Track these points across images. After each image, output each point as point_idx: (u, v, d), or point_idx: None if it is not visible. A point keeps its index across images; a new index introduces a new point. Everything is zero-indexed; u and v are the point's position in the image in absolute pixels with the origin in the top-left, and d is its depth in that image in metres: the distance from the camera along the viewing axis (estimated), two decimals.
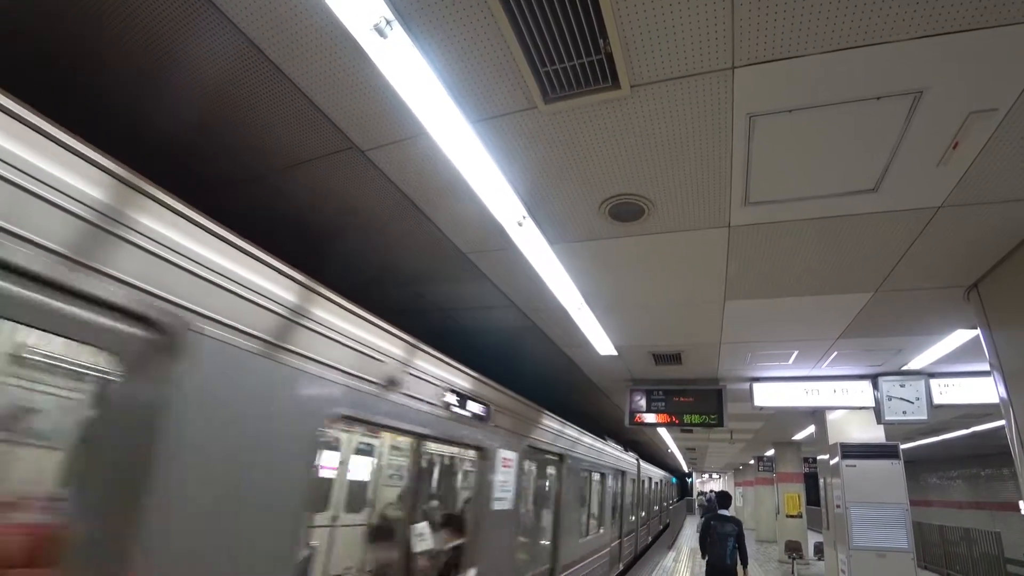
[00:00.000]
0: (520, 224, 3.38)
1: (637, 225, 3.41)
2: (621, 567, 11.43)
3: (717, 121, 2.42)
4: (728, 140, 2.54)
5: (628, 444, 15.56)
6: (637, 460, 14.43)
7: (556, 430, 6.54)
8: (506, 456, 4.79)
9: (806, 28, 1.92)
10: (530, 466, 6.11)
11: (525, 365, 7.67)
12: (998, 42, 1.92)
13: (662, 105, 2.34)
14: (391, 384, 3.15)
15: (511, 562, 4.90)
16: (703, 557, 7.61)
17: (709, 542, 7.42)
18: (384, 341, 3.08)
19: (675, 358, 6.63)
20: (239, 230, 2.12)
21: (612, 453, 10.59)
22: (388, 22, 2.01)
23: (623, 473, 12.14)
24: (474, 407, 4.20)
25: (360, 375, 2.84)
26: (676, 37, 1.99)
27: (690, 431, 12.68)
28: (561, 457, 6.84)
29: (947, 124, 2.35)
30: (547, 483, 6.96)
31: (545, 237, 3.63)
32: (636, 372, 7.55)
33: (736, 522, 7.43)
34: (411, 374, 3.36)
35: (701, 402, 7.27)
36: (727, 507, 7.83)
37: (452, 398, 3.88)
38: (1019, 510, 16.08)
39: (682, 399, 7.36)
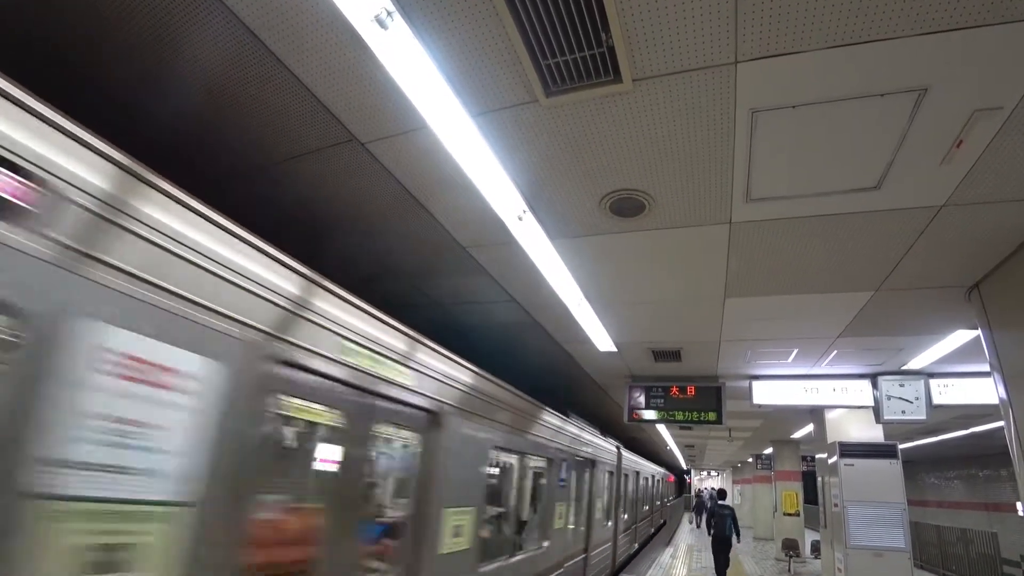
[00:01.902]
0: (520, 218, 3.36)
1: (638, 220, 3.39)
2: (636, 547, 15.58)
3: (719, 116, 2.40)
4: (730, 136, 2.52)
5: (627, 441, 15.67)
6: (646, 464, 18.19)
7: (600, 446, 9.58)
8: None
9: (810, 23, 1.90)
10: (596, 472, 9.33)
11: (524, 360, 7.67)
12: (1003, 39, 1.90)
13: (664, 100, 2.32)
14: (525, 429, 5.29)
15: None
16: (709, 533, 11.13)
17: (714, 522, 10.68)
18: (522, 402, 5.32)
19: (675, 355, 6.63)
20: (239, 223, 2.11)
21: (632, 459, 14.27)
22: (389, 13, 1.99)
23: (637, 473, 15.77)
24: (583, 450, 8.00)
25: (510, 425, 4.92)
26: (679, 31, 1.98)
27: (689, 428, 12.70)
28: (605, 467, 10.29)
29: (951, 122, 2.34)
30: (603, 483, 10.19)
31: (545, 232, 3.62)
32: (635, 368, 7.55)
33: (731, 508, 10.86)
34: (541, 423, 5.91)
35: (700, 399, 7.27)
36: (725, 499, 11.72)
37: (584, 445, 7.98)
38: (1016, 511, 16.10)
39: (681, 396, 7.36)
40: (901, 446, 7.22)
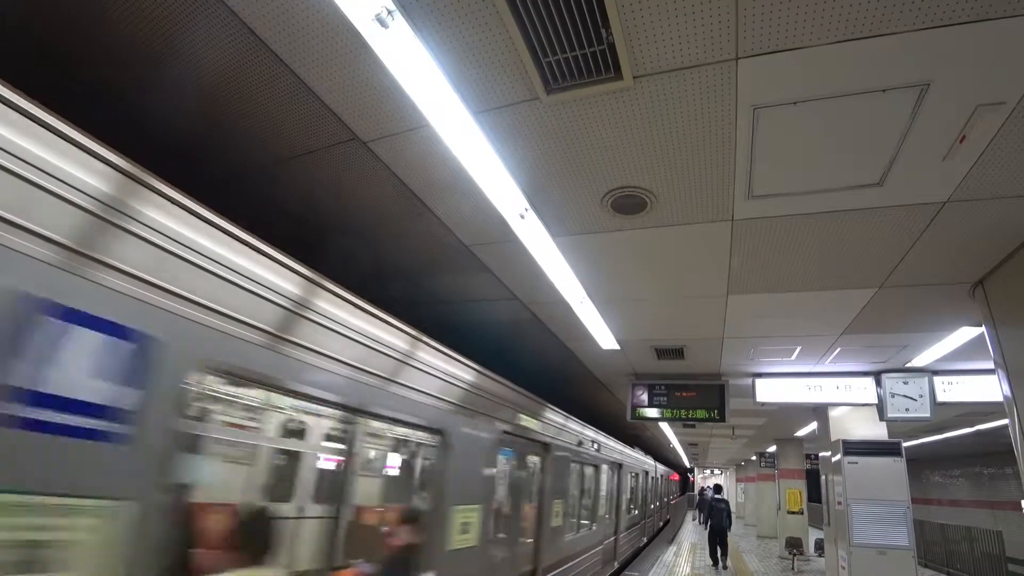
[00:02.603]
0: (522, 216, 3.36)
1: (639, 218, 3.39)
2: (661, 524, 22.82)
3: (720, 113, 2.40)
4: (732, 132, 2.52)
5: (631, 439, 15.89)
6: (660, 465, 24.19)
7: (642, 459, 16.03)
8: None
9: (811, 18, 1.90)
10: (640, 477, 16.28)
11: (527, 358, 7.68)
12: (1006, 34, 1.89)
13: (665, 96, 2.32)
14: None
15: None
16: (705, 524, 15.37)
17: (712, 514, 12.90)
18: (641, 454, 16.21)
19: (677, 353, 6.62)
20: (242, 222, 2.12)
21: (660, 468, 21.19)
22: (389, 12, 1.99)
23: (661, 477, 22.99)
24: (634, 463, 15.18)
25: (638, 466, 15.31)
26: (679, 27, 1.97)
27: (692, 426, 12.69)
28: (647, 472, 17.21)
29: (954, 117, 2.33)
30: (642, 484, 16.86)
31: (547, 230, 3.62)
32: (638, 366, 7.54)
33: (726, 502, 13.24)
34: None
35: (703, 397, 7.26)
36: (720, 494, 14.03)
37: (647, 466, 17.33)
38: (1021, 509, 16.03)
39: (684, 394, 7.36)
40: (905, 444, 7.20)
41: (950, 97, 2.21)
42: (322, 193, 3.42)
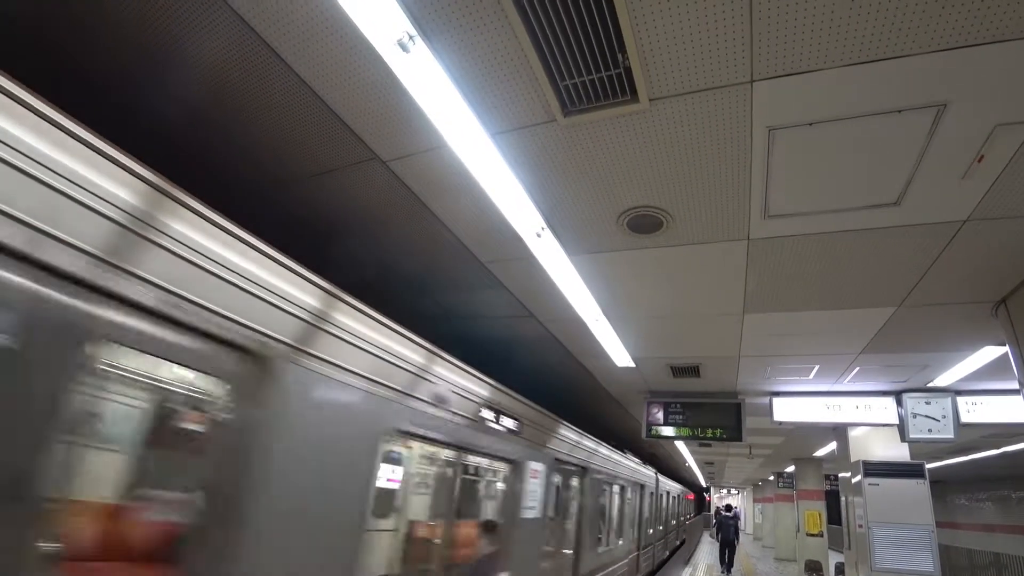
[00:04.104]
0: (539, 235, 3.40)
1: (656, 237, 3.41)
2: (677, 543, 25.85)
3: (736, 134, 2.42)
4: (747, 153, 2.54)
5: (646, 457, 15.78)
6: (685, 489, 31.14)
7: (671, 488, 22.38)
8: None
9: (826, 41, 1.92)
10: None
11: (541, 374, 7.66)
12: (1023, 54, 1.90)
13: (681, 119, 2.35)
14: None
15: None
16: (716, 537, 16.64)
17: (723, 529, 15.15)
18: (683, 485, 30.07)
19: (693, 371, 6.57)
20: (262, 236, 2.18)
21: (671, 485, 23.54)
22: (411, 37, 2.06)
23: (678, 496, 26.68)
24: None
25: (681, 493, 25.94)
26: (695, 51, 2.01)
27: (708, 445, 12.51)
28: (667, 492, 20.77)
29: (972, 137, 2.32)
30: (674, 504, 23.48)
31: (563, 248, 3.65)
32: (653, 384, 7.49)
33: (735, 517, 15.94)
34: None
35: (719, 415, 7.18)
36: (730, 512, 16.54)
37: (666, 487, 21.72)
38: None
39: (700, 412, 7.28)
40: (929, 465, 7.03)
41: (968, 117, 2.21)
42: (341, 211, 3.49)
